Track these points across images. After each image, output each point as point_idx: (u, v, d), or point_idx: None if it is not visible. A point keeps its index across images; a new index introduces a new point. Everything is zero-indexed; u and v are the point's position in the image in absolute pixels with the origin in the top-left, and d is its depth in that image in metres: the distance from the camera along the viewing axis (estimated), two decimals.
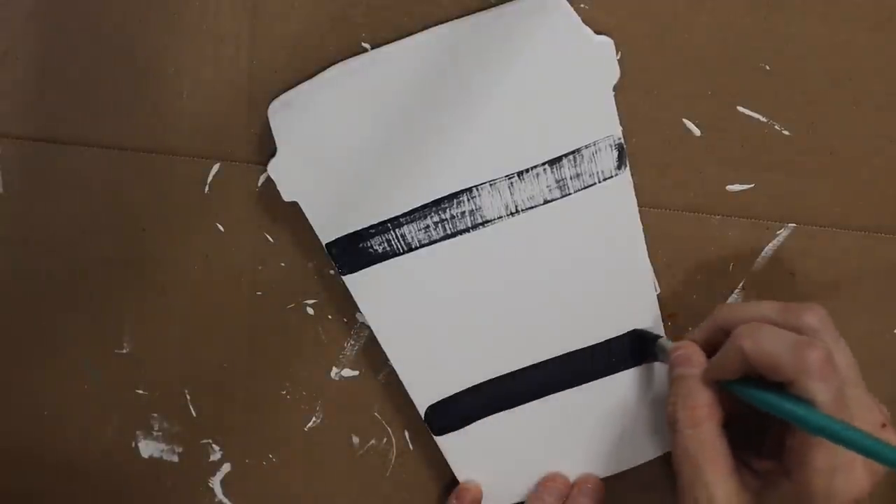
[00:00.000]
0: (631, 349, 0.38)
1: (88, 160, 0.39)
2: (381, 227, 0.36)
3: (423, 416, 0.38)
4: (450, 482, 0.41)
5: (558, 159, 0.35)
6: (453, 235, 0.36)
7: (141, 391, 0.40)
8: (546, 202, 0.36)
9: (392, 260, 0.36)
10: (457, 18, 0.35)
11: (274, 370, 0.40)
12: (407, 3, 0.37)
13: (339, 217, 0.36)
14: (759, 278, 0.39)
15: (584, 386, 0.38)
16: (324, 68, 0.37)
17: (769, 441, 0.33)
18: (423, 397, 0.38)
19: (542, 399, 0.38)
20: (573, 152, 0.35)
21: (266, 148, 0.38)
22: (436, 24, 0.35)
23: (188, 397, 0.40)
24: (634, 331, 0.38)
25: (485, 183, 0.35)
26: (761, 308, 0.32)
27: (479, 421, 0.38)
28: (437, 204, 0.36)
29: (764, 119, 0.38)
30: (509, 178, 0.36)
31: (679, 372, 0.33)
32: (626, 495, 0.40)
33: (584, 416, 0.38)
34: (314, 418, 0.40)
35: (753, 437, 0.34)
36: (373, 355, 0.39)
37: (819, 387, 0.28)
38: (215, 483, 0.40)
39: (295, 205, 0.37)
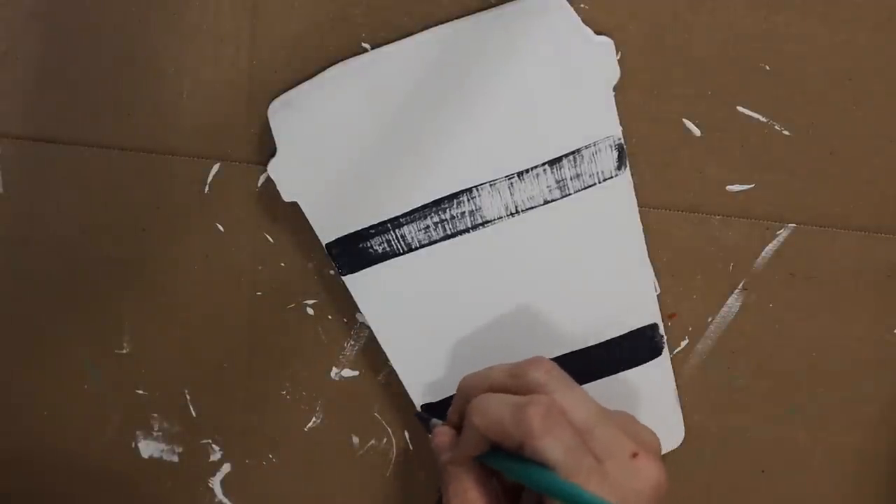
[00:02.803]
0: (630, 350, 0.38)
1: (88, 160, 0.39)
2: (381, 228, 0.36)
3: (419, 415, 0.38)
4: None
5: (558, 160, 0.35)
6: (453, 236, 0.36)
7: (141, 391, 0.40)
8: (546, 202, 0.36)
9: (392, 260, 0.36)
10: (457, 18, 0.35)
11: (274, 370, 0.40)
12: (407, 3, 0.37)
13: (339, 217, 0.36)
14: (759, 278, 0.39)
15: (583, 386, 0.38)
16: (324, 68, 0.37)
17: None
18: (422, 398, 0.38)
19: None
20: (573, 153, 0.36)
21: (266, 148, 0.38)
22: (436, 25, 0.35)
23: (188, 397, 0.40)
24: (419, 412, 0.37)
25: (485, 183, 0.35)
26: (492, 374, 0.32)
27: None
28: (437, 204, 0.36)
29: (764, 119, 0.39)
30: (509, 179, 0.36)
31: (441, 460, 0.33)
32: None
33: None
34: (314, 418, 0.40)
35: None
36: (373, 355, 0.39)
37: (546, 444, 0.28)
38: (215, 483, 0.40)
39: (295, 205, 0.37)
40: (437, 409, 0.38)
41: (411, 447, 0.41)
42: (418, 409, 0.38)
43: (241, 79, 0.39)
